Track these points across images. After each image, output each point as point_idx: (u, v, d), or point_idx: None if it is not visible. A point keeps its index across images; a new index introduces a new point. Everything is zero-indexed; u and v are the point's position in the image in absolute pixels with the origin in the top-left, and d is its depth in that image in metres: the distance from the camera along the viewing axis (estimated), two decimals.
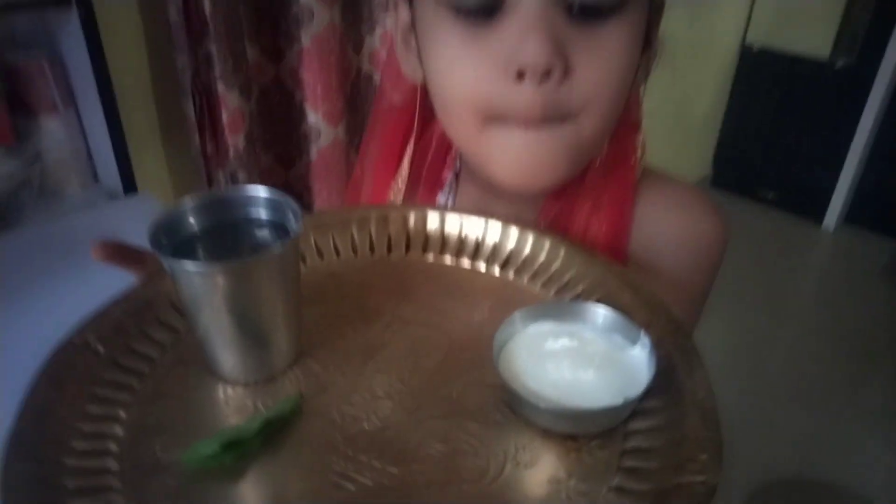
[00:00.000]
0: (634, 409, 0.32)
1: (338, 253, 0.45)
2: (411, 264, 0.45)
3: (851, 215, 2.46)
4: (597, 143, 0.45)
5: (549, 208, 0.49)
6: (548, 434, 0.32)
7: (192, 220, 0.34)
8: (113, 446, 0.31)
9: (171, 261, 0.31)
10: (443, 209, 0.46)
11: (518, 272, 0.43)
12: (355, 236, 0.46)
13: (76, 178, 1.19)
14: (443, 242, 0.45)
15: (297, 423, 0.33)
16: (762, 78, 2.45)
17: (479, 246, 0.45)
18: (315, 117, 1.40)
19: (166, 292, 0.39)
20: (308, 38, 1.28)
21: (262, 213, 0.35)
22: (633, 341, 0.34)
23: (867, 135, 2.30)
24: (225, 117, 1.24)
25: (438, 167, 0.54)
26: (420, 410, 0.33)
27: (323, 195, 1.49)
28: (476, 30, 0.40)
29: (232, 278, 0.32)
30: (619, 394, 0.32)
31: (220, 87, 1.21)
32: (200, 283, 0.32)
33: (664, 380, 0.33)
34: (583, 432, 0.32)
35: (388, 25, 1.39)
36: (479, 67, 0.40)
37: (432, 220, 0.46)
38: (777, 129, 2.49)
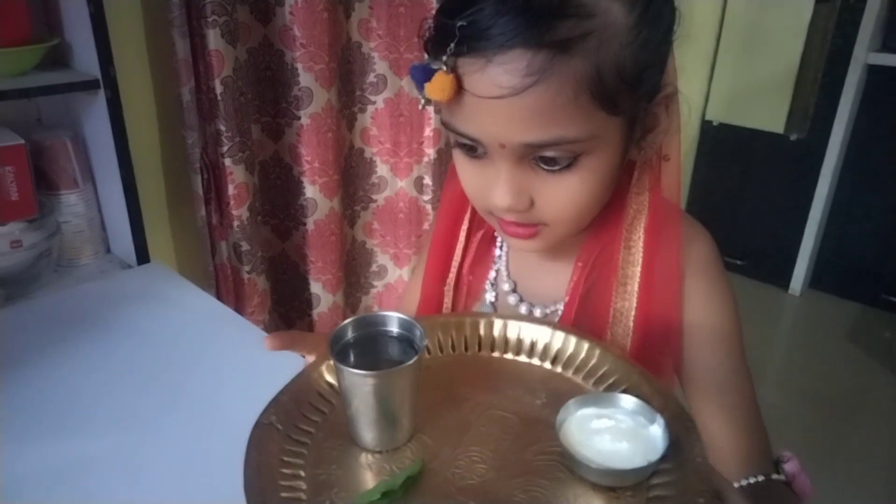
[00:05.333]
0: (654, 471, 0.47)
1: (429, 351, 0.61)
2: (483, 360, 0.60)
3: (816, 280, 2.59)
4: (574, 231, 0.59)
5: (587, 253, 0.65)
6: (595, 487, 0.47)
7: (350, 330, 0.50)
8: (302, 495, 0.46)
9: (340, 367, 0.47)
10: (506, 316, 0.62)
11: (564, 367, 0.59)
12: (440, 338, 0.62)
13: (90, 248, 1.26)
14: (505, 343, 0.61)
15: (423, 479, 0.48)
16: (723, 151, 2.63)
17: (533, 346, 0.61)
18: (312, 190, 1.47)
19: (314, 383, 0.55)
20: (307, 116, 1.38)
21: (394, 329, 0.51)
22: (652, 421, 0.49)
23: (824, 203, 2.46)
24: (231, 191, 1.31)
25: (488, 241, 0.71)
26: (504, 470, 0.48)
27: (318, 264, 1.53)
28: (472, 159, 0.56)
29: (378, 380, 0.47)
30: (644, 459, 0.46)
31: (228, 163, 1.29)
32: (358, 382, 0.47)
33: (674, 449, 0.48)
34: (620, 485, 0.47)
35: (379, 104, 1.52)
36: (475, 183, 0.57)
37: (497, 327, 0.62)
38: (740, 199, 2.64)
